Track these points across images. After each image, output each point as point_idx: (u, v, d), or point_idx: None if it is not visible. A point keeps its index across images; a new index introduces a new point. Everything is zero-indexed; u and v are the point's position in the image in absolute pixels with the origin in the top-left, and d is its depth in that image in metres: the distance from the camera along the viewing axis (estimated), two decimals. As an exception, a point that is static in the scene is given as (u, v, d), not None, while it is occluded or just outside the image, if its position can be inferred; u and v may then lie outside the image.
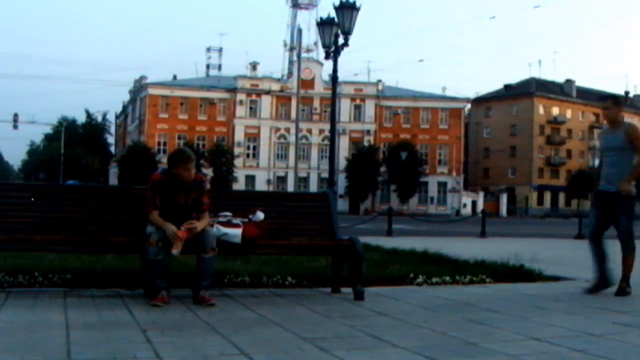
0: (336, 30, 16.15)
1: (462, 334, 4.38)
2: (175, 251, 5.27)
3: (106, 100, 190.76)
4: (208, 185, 5.95)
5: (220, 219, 5.74)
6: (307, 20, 78.50)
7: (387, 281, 6.86)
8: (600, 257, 6.58)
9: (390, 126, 77.17)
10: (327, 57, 16.76)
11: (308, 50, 74.09)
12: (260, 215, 5.90)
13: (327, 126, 62.30)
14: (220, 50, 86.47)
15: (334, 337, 4.23)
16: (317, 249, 6.60)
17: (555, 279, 7.78)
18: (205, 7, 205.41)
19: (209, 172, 62.46)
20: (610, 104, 6.65)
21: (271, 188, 70.63)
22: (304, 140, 70.19)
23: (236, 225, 5.71)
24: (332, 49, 16.30)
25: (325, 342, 4.02)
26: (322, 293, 6.26)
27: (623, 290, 6.38)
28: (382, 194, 73.29)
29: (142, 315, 4.73)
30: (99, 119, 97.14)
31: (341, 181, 65.26)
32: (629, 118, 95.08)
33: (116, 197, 6.21)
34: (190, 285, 5.52)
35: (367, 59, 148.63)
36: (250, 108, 75.04)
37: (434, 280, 7.04)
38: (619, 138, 6.50)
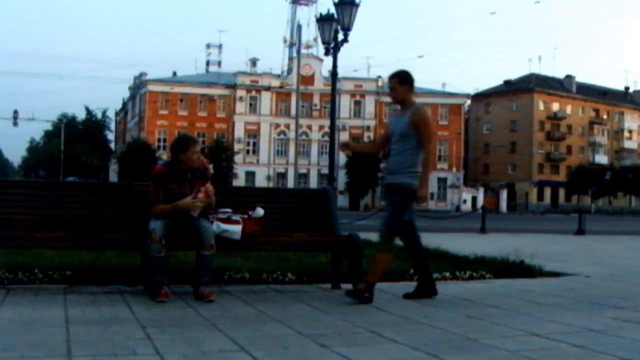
0: (336, 27, 16.12)
1: (462, 329, 4.38)
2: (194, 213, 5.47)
3: (106, 97, 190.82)
4: (212, 171, 5.94)
5: (220, 216, 5.74)
6: (307, 16, 78.68)
7: (386, 277, 6.84)
8: (415, 257, 5.99)
9: (390, 122, 77.08)
10: (326, 53, 16.72)
11: (308, 47, 74.02)
12: (260, 211, 5.90)
13: (327, 122, 62.34)
14: (220, 46, 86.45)
15: (334, 333, 4.23)
16: (317, 245, 6.61)
17: (555, 274, 7.78)
18: (205, 4, 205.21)
19: (209, 168, 62.34)
20: (395, 82, 5.71)
21: (271, 184, 70.68)
22: (303, 137, 70.22)
23: (236, 222, 5.71)
24: (332, 45, 16.27)
25: (325, 338, 4.03)
26: (322, 289, 6.26)
27: (357, 292, 5.44)
28: (382, 190, 73.25)
29: (142, 312, 4.74)
30: (99, 115, 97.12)
31: (341, 177, 65.26)
32: (628, 114, 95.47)
33: (116, 194, 6.21)
34: (190, 282, 5.52)
35: (367, 55, 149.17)
36: (250, 104, 75.02)
37: (433, 276, 7.03)
38: (404, 122, 5.66)
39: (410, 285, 6.62)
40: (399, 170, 5.61)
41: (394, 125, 5.82)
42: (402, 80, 5.71)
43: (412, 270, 6.99)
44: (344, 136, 71.41)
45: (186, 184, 5.56)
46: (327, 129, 65.73)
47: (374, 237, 11.74)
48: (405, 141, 5.60)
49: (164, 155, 66.42)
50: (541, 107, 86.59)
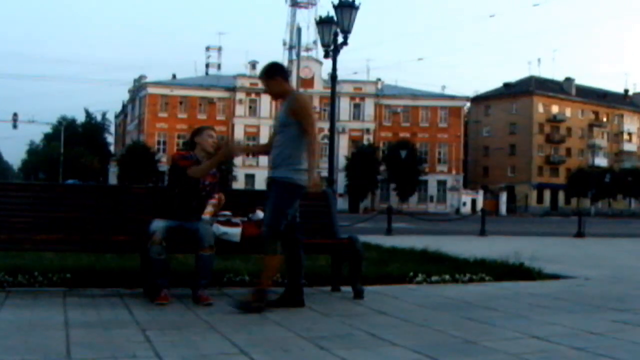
0: (335, 29, 16.14)
1: (462, 332, 4.38)
2: (207, 216, 5.50)
3: (105, 100, 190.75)
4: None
5: (220, 218, 5.75)
6: (307, 19, 78.99)
7: (386, 280, 6.87)
8: (289, 261, 5.47)
9: (390, 125, 77.15)
10: (326, 55, 16.74)
11: (307, 49, 74.07)
12: (259, 214, 5.89)
13: (326, 125, 61.89)
14: (220, 49, 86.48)
15: (334, 335, 4.23)
16: (317, 248, 6.59)
17: (555, 277, 7.78)
18: (205, 6, 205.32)
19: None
20: (264, 80, 5.45)
21: (271, 187, 70.54)
22: (303, 139, 70.14)
23: (235, 224, 5.71)
24: (332, 47, 16.29)
25: (324, 340, 4.02)
26: (321, 292, 6.26)
27: (244, 303, 5.04)
28: (382, 192, 73.28)
29: (141, 315, 4.73)
30: (99, 118, 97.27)
31: (341, 180, 65.26)
32: (628, 116, 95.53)
33: (116, 197, 6.20)
34: (190, 284, 5.52)
35: (366, 57, 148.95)
36: (250, 107, 75.06)
37: (433, 278, 7.05)
38: (282, 111, 5.36)
39: (410, 288, 6.64)
40: (279, 164, 5.25)
41: (276, 116, 5.59)
42: (269, 74, 5.43)
43: (418, 277, 7.01)
44: (343, 139, 71.55)
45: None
46: (326, 132, 65.39)
47: (373, 239, 11.79)
48: (285, 132, 5.26)
49: (164, 158, 66.52)
50: (541, 109, 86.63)
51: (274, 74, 5.42)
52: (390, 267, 7.65)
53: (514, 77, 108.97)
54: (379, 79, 78.21)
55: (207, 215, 5.56)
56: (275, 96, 5.51)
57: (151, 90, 73.83)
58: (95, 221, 5.78)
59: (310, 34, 73.03)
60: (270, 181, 5.29)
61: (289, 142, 5.20)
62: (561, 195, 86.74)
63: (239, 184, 70.38)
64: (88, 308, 4.96)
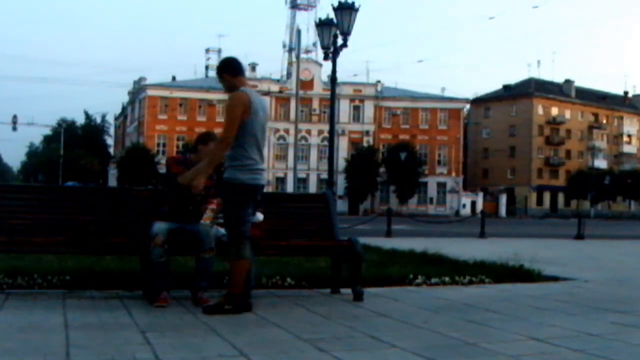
0: (335, 31, 16.15)
1: (462, 334, 4.38)
2: (207, 222, 5.44)
3: (105, 102, 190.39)
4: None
5: (220, 220, 5.74)
6: (306, 21, 78.76)
7: (386, 282, 6.86)
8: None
9: (390, 127, 77.16)
10: (326, 57, 16.76)
11: (307, 51, 74.15)
12: (259, 216, 5.89)
13: (326, 127, 62.32)
14: (220, 51, 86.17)
15: (333, 337, 4.23)
16: (317, 250, 6.60)
17: (555, 279, 7.78)
18: (204, 8, 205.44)
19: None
20: (219, 77, 5.30)
21: (270, 189, 70.55)
22: (303, 141, 70.23)
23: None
24: (331, 49, 16.30)
25: (324, 342, 4.03)
26: (321, 294, 6.26)
27: (216, 306, 4.99)
28: (382, 194, 73.28)
29: (141, 317, 4.73)
30: (98, 120, 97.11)
31: (340, 182, 65.25)
32: (628, 118, 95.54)
33: (115, 199, 6.20)
34: (189, 286, 5.52)
35: (366, 59, 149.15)
36: (250, 109, 75.00)
37: (433, 280, 7.05)
38: None
39: (410, 290, 6.63)
40: (227, 165, 5.12)
41: None
42: (221, 70, 5.27)
43: (418, 279, 7.01)
44: (343, 141, 71.56)
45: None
46: (326, 134, 65.70)
47: (373, 241, 11.79)
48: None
49: (163, 160, 66.49)
50: (540, 111, 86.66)
51: (225, 69, 5.25)
52: (390, 269, 7.65)
53: (513, 79, 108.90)
54: (378, 81, 78.23)
55: (206, 220, 5.52)
56: (227, 92, 5.29)
57: (151, 92, 73.83)
58: (94, 223, 5.77)
59: (310, 36, 73.29)
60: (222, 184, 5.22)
61: (235, 141, 5.04)
62: (561, 197, 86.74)
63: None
64: (87, 310, 4.96)
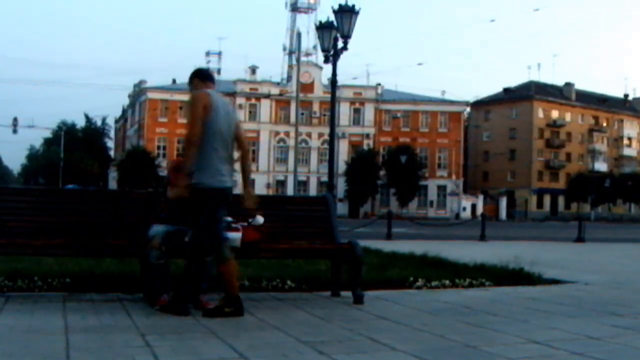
0: (335, 34, 16.15)
1: (462, 337, 4.38)
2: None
3: (105, 105, 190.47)
4: None
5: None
6: (307, 24, 78.89)
7: (386, 285, 6.86)
8: (185, 267, 5.28)
9: (390, 130, 77.20)
10: (326, 60, 16.76)
11: (307, 54, 74.29)
12: (260, 219, 5.90)
13: (326, 130, 62.41)
14: (220, 54, 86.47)
15: (334, 340, 4.23)
16: (317, 253, 6.60)
17: (555, 282, 7.78)
18: (205, 11, 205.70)
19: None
20: (189, 83, 5.38)
21: (271, 192, 70.60)
22: (303, 144, 70.24)
23: (236, 229, 5.71)
24: (332, 52, 16.31)
25: (324, 345, 4.02)
26: (321, 297, 6.26)
27: (216, 309, 5.05)
28: (382, 197, 73.29)
29: (141, 319, 4.73)
30: (99, 123, 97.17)
31: (341, 185, 65.25)
32: (628, 121, 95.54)
33: (115, 201, 6.21)
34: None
35: (366, 62, 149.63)
36: (250, 112, 75.08)
37: (433, 283, 7.05)
38: None
39: (410, 293, 6.63)
40: (193, 168, 5.09)
41: None
42: (193, 75, 5.37)
43: (418, 282, 7.00)
44: (343, 144, 71.57)
45: None
46: (326, 137, 65.79)
47: (373, 244, 11.79)
48: None
49: (163, 163, 66.48)
50: (540, 114, 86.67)
51: (193, 76, 5.37)
52: (390, 272, 7.65)
53: (513, 82, 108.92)
54: (378, 84, 78.28)
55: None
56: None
57: (151, 95, 73.88)
58: (95, 226, 5.77)
59: (310, 39, 73.41)
60: None
61: (200, 145, 5.03)
62: (561, 200, 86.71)
63: (239, 189, 70.26)
64: (88, 313, 4.96)
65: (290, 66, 78.23)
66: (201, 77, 5.38)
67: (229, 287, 5.10)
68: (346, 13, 15.61)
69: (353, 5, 15.66)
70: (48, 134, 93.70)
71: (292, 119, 61.63)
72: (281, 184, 73.48)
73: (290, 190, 64.78)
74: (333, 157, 17.66)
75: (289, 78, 75.01)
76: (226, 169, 5.19)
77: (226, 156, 5.19)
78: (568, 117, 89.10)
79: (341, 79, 18.13)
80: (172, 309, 5.02)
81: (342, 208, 63.28)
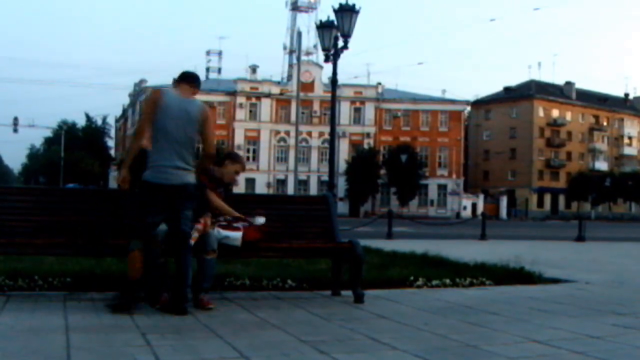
0: (336, 33, 16.15)
1: (463, 336, 4.38)
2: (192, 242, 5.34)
3: (106, 104, 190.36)
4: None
5: (221, 222, 5.75)
6: (307, 23, 78.72)
7: (387, 284, 6.86)
8: (176, 266, 5.31)
9: (390, 129, 77.18)
10: (326, 60, 16.76)
11: (308, 53, 74.18)
12: (260, 218, 5.90)
13: (327, 129, 62.40)
14: (220, 53, 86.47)
15: (334, 339, 4.23)
16: (317, 252, 6.60)
17: (556, 281, 7.78)
18: (205, 11, 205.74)
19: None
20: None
21: (271, 191, 70.65)
22: (303, 143, 70.24)
23: (236, 229, 5.71)
24: (332, 51, 16.30)
25: (325, 344, 4.02)
26: (322, 296, 6.26)
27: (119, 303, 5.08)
28: (382, 196, 73.27)
29: (142, 319, 4.73)
30: (99, 122, 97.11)
31: (341, 184, 65.23)
32: (628, 120, 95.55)
33: (116, 201, 6.20)
34: (191, 288, 5.51)
35: (366, 61, 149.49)
36: (250, 111, 75.05)
37: (433, 282, 7.05)
38: None
39: (411, 292, 6.63)
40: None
41: None
42: (178, 76, 5.59)
43: (419, 281, 7.01)
44: (343, 143, 71.58)
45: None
46: (327, 136, 65.84)
47: (374, 243, 11.79)
48: None
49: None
50: (541, 113, 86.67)
51: (177, 82, 5.52)
52: (390, 271, 7.65)
53: (514, 81, 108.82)
54: (379, 83, 78.24)
55: (192, 241, 5.42)
56: None
57: (151, 94, 73.85)
58: (95, 225, 5.77)
59: (310, 38, 73.30)
60: None
61: (152, 142, 5.25)
62: (561, 199, 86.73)
63: (239, 188, 70.25)
64: (88, 312, 4.96)
65: (290, 65, 78.20)
66: (177, 78, 5.52)
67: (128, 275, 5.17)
68: (347, 12, 15.61)
69: (353, 5, 15.66)
70: (48, 133, 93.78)
71: (293, 118, 61.59)
72: (281, 183, 73.48)
73: (290, 190, 64.81)
74: (333, 156, 17.66)
75: (290, 77, 74.99)
76: (172, 167, 5.22)
77: (174, 155, 5.22)
78: (568, 116, 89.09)
79: (342, 78, 18.13)
80: (173, 308, 5.02)
81: (342, 207, 63.25)
